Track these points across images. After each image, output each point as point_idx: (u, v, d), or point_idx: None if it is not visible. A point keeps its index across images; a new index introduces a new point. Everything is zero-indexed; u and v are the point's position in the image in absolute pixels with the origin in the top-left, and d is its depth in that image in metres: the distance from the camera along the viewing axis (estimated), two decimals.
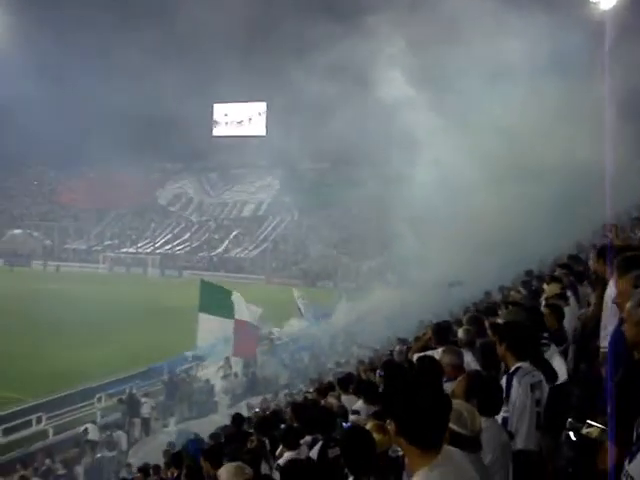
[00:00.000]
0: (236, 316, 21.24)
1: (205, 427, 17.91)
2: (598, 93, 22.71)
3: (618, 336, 5.06)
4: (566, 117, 26.43)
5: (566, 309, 7.35)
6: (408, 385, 2.67)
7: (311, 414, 8.23)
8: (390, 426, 2.70)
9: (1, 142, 65.01)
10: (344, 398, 8.96)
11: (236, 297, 21.92)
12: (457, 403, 3.35)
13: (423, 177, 31.60)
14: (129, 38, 66.51)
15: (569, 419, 4.93)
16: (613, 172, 16.74)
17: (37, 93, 63.18)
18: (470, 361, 6.38)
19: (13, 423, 18.95)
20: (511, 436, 4.30)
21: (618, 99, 22.75)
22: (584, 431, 3.68)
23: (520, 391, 4.54)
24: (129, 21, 68.62)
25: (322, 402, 9.85)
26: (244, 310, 21.79)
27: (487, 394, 4.00)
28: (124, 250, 72.40)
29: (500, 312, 9.28)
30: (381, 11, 36.19)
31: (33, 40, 65.36)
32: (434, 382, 2.80)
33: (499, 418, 4.30)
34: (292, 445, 7.05)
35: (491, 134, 29.21)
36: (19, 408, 20.20)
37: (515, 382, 4.58)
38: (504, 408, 4.40)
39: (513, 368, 4.72)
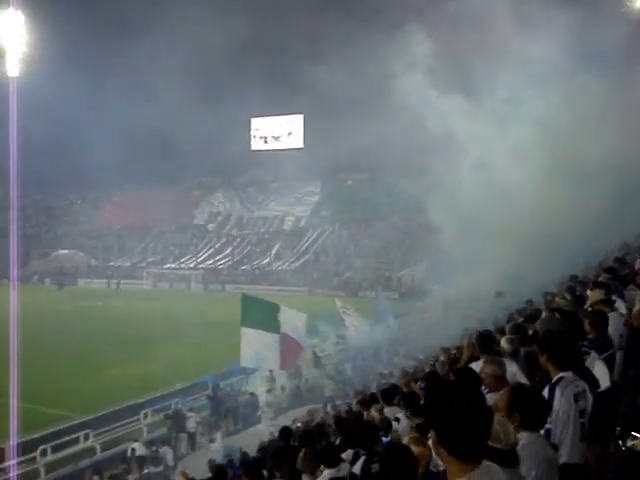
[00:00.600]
0: (282, 329, 21.14)
1: (250, 441, 17.94)
2: None
3: None
4: (611, 115, 25.97)
5: (611, 315, 7.14)
6: (449, 396, 2.63)
7: (353, 427, 8.16)
8: (431, 436, 2.67)
9: (43, 162, 66.14)
10: (387, 410, 8.86)
11: (283, 309, 21.77)
12: None
13: (464, 183, 31.31)
14: (166, 58, 67.68)
15: (617, 428, 4.80)
16: None
17: (78, 113, 64.39)
18: (515, 371, 6.24)
19: (61, 440, 19.12)
20: (555, 448, 4.17)
21: None
22: (629, 443, 3.57)
23: (563, 401, 4.41)
24: (165, 42, 69.60)
25: (365, 415, 9.76)
26: (290, 319, 21.63)
27: (530, 408, 3.86)
28: (167, 266, 73.12)
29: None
30: (412, 17, 36.05)
31: (74, 62, 66.63)
32: (475, 393, 2.72)
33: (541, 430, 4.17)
34: (331, 463, 6.95)
35: (533, 135, 28.83)
36: (67, 425, 20.37)
37: (558, 392, 4.45)
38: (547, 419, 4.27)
39: (555, 378, 4.59)
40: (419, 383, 7.84)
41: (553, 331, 5.52)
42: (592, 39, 27.14)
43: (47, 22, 56.59)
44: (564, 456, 4.26)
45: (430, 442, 3.75)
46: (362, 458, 6.56)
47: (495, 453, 3.08)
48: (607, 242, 20.26)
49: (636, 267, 11.90)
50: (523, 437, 3.68)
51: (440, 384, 4.81)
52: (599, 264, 17.97)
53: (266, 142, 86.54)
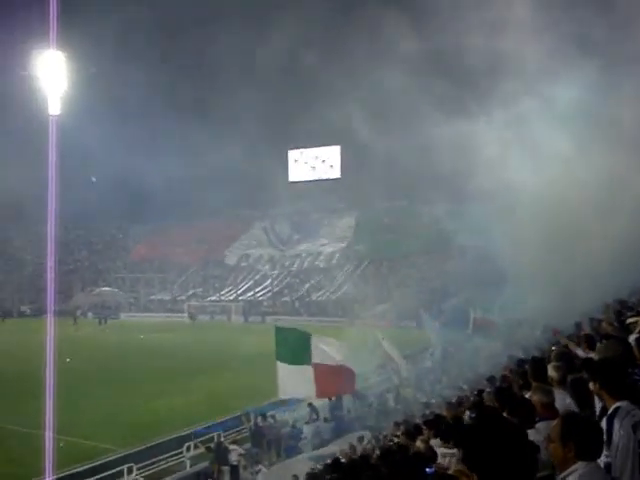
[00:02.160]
0: (313, 358, 20.97)
1: (293, 472, 17.76)
2: None
3: None
4: None
5: None
6: (489, 438, 2.51)
7: (399, 459, 8.03)
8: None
9: (85, 199, 67.38)
10: (433, 441, 8.71)
11: (314, 339, 21.57)
12: None
13: (502, 205, 31.01)
14: (199, 90, 68.82)
15: None
16: None
17: (119, 149, 65.56)
18: (569, 403, 6.10)
19: (105, 474, 19.13)
20: None
21: None
22: None
23: (622, 433, 4.26)
24: (204, 76, 70.87)
25: (410, 446, 9.61)
26: (322, 346, 21.44)
27: (586, 436, 3.70)
28: (208, 299, 73.53)
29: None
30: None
31: (119, 98, 68.12)
32: (521, 437, 2.60)
33: (601, 463, 4.01)
34: None
35: (574, 150, 28.45)
36: (110, 458, 20.40)
37: (616, 424, 4.30)
38: (605, 452, 4.12)
39: (612, 409, 4.45)
40: (468, 413, 7.67)
41: (607, 359, 5.38)
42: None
43: (86, 61, 58.13)
44: None
45: None
46: None
47: None
48: None
49: None
50: (580, 467, 3.56)
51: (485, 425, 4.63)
52: None
53: (302, 171, 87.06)
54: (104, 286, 78.32)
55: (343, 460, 14.53)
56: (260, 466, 20.47)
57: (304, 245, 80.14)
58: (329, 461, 12.58)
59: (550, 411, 5.64)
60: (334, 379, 21.13)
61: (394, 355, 27.17)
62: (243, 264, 79.91)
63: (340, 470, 10.76)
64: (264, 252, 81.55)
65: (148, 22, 66.80)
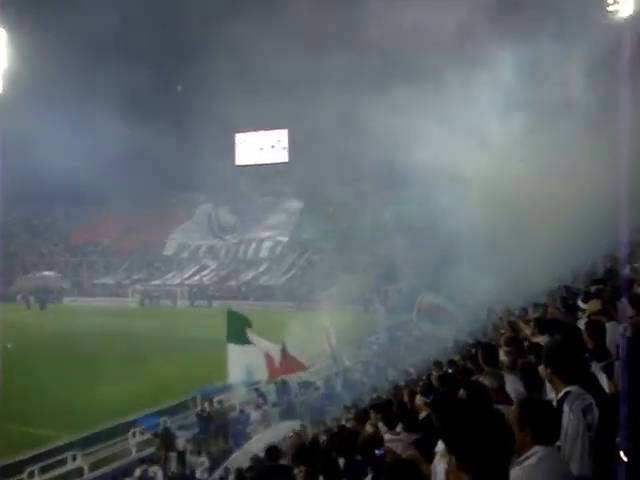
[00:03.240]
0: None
1: (240, 459, 17.79)
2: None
3: None
4: (592, 131, 26.03)
5: (608, 325, 7.14)
6: (471, 419, 2.52)
7: (350, 444, 8.06)
8: (450, 462, 2.54)
9: (26, 180, 65.83)
10: (381, 425, 8.76)
11: (252, 335, 21.53)
12: None
13: (449, 197, 31.39)
14: (145, 73, 67.74)
15: (617, 438, 4.75)
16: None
17: (61, 131, 64.12)
18: (518, 384, 6.21)
19: (49, 461, 18.89)
20: None
21: None
22: None
23: (572, 417, 4.35)
24: (145, 57, 69.81)
25: (360, 430, 9.67)
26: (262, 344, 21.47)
27: (542, 421, 3.76)
28: (153, 283, 72.71)
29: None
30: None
31: (58, 79, 66.54)
32: (497, 413, 2.62)
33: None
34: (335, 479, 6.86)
35: (524, 136, 28.89)
36: (54, 446, 20.11)
37: (566, 408, 4.39)
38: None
39: (562, 393, 4.54)
40: (423, 398, 7.71)
41: (557, 345, 5.47)
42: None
43: (30, 39, 56.46)
44: (574, 471, 4.20)
45: (444, 466, 3.66)
46: (369, 476, 6.47)
47: None
48: (594, 253, 20.29)
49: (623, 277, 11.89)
50: (538, 452, 3.61)
51: (457, 404, 4.63)
52: (587, 274, 18.02)
53: (249, 154, 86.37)
54: (46, 270, 76.83)
55: (288, 442, 14.58)
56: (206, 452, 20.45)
57: (248, 233, 79.29)
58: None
59: (502, 395, 5.73)
60: (284, 360, 21.20)
61: (334, 343, 27.26)
62: (182, 254, 78.78)
63: (279, 457, 10.77)
64: (204, 241, 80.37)
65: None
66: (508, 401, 5.57)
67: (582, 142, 25.98)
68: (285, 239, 75.81)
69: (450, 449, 2.58)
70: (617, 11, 30.52)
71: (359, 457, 7.30)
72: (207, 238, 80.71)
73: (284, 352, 21.20)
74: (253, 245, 76.81)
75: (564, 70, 28.43)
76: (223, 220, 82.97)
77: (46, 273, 75.05)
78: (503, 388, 5.98)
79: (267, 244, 76.13)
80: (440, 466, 4.70)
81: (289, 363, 21.42)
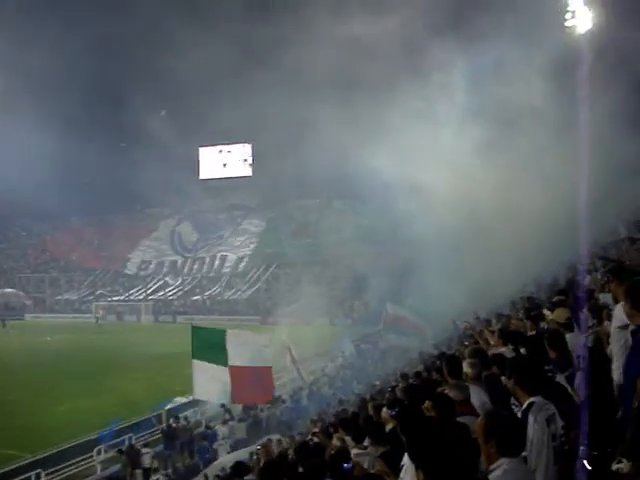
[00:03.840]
0: (231, 361, 20.66)
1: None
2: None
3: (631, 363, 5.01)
4: (553, 142, 26.45)
5: (569, 335, 7.25)
6: (434, 433, 2.56)
7: (317, 459, 8.05)
8: (418, 476, 2.57)
9: None
10: (349, 439, 8.76)
11: (230, 335, 21.10)
12: None
13: (410, 208, 31.58)
14: (111, 82, 67.30)
15: (581, 447, 4.84)
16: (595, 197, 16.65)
17: (21, 146, 63.45)
18: (483, 395, 6.27)
19: None
20: None
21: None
22: (614, 467, 3.56)
23: (536, 427, 4.42)
24: (111, 64, 69.48)
25: (326, 444, 9.66)
26: (238, 345, 21.05)
27: (507, 433, 3.81)
28: (116, 298, 71.96)
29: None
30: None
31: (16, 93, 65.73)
32: (459, 426, 2.67)
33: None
34: None
35: (484, 147, 29.17)
36: (17, 465, 19.72)
37: (531, 418, 4.46)
38: None
39: (526, 404, 4.61)
40: (388, 411, 7.74)
41: (520, 357, 5.56)
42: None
43: None
44: None
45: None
46: None
47: None
48: (556, 264, 20.58)
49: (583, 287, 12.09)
50: (503, 464, 3.65)
51: (422, 418, 4.66)
52: (549, 286, 18.27)
53: (213, 169, 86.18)
54: (7, 286, 75.66)
55: (255, 458, 14.50)
56: (171, 469, 20.23)
57: (212, 248, 78.71)
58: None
59: (467, 407, 5.78)
60: (251, 385, 20.85)
61: (295, 357, 27.11)
62: (142, 273, 77.99)
63: (246, 474, 10.69)
64: (166, 259, 79.59)
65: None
66: (473, 413, 5.63)
67: (543, 153, 26.39)
68: (249, 252, 75.47)
69: (416, 464, 2.61)
70: (575, 26, 31.11)
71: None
72: (169, 255, 79.91)
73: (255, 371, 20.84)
74: (217, 262, 76.27)
75: (525, 79, 28.86)
76: (185, 237, 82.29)
77: (7, 290, 73.79)
78: (468, 400, 6.04)
79: (231, 259, 75.71)
80: (407, 478, 4.73)
81: (257, 390, 21.07)
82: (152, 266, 78.55)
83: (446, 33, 31.51)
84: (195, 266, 76.73)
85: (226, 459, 19.48)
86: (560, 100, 25.49)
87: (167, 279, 75.26)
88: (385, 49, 31.87)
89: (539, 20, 30.66)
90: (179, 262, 78.35)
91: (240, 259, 75.11)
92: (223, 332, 20.71)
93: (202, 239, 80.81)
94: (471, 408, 5.89)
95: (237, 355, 20.43)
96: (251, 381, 20.15)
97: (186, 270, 76.49)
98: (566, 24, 31.49)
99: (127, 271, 78.50)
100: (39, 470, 19.24)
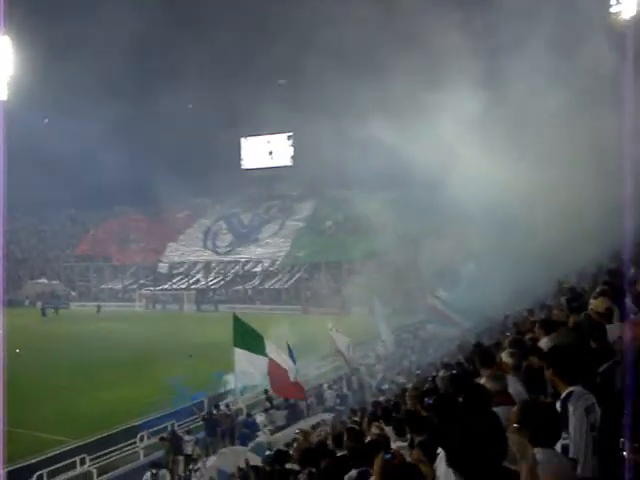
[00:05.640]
0: (269, 356, 20.89)
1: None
2: None
3: None
4: (591, 123, 25.93)
5: (610, 326, 7.14)
6: (462, 418, 2.56)
7: (356, 445, 8.09)
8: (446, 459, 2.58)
9: (31, 184, 66.31)
10: (389, 429, 8.78)
11: (268, 345, 21.41)
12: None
13: (456, 195, 31.35)
14: (152, 74, 68.13)
15: (621, 439, 4.78)
16: None
17: (66, 136, 64.44)
18: (518, 386, 6.23)
19: (57, 465, 18.90)
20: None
21: None
22: None
23: (577, 416, 4.38)
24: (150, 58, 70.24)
25: (365, 432, 9.69)
26: (275, 352, 21.37)
27: (539, 423, 3.75)
28: (160, 287, 72.74)
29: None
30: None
31: (63, 86, 66.87)
32: (489, 414, 2.66)
33: (558, 447, 4.11)
34: None
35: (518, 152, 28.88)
36: (63, 450, 20.10)
37: (571, 407, 4.42)
38: (563, 434, 4.22)
39: (565, 393, 4.57)
40: (425, 399, 7.75)
41: (559, 345, 5.50)
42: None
43: (34, 46, 56.90)
44: (579, 471, 4.23)
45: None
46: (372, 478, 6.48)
47: (512, 476, 2.95)
48: (598, 253, 20.25)
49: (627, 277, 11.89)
50: (537, 453, 3.61)
51: (451, 404, 4.65)
52: (592, 276, 17.98)
53: (255, 159, 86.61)
54: (52, 275, 77.18)
55: (296, 445, 14.58)
56: (214, 456, 20.42)
57: (249, 247, 78.31)
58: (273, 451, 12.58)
59: (504, 397, 5.75)
60: (286, 383, 21.14)
61: (342, 347, 27.11)
62: (175, 271, 77.74)
63: (284, 460, 10.77)
64: (199, 258, 78.78)
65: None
66: (512, 403, 5.59)
67: (589, 136, 25.86)
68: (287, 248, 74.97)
69: (445, 449, 2.62)
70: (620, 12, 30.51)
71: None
72: (203, 254, 79.76)
73: (287, 374, 21.06)
74: (250, 263, 75.63)
75: (552, 78, 28.37)
76: (220, 237, 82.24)
77: (53, 282, 75.28)
78: (505, 390, 6.00)
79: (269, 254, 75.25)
80: (442, 465, 4.72)
81: (292, 387, 21.36)
82: (181, 270, 78.43)
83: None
84: (226, 268, 76.28)
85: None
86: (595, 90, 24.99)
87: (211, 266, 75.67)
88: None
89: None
90: (211, 263, 77.95)
91: (274, 257, 74.38)
92: (261, 337, 21.08)
93: (241, 236, 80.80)
94: (509, 398, 5.86)
95: (273, 352, 20.79)
96: (285, 380, 20.51)
97: (213, 273, 76.25)
98: (611, 10, 30.90)
99: (160, 270, 78.47)
100: (84, 455, 19.64)
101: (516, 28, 28.68)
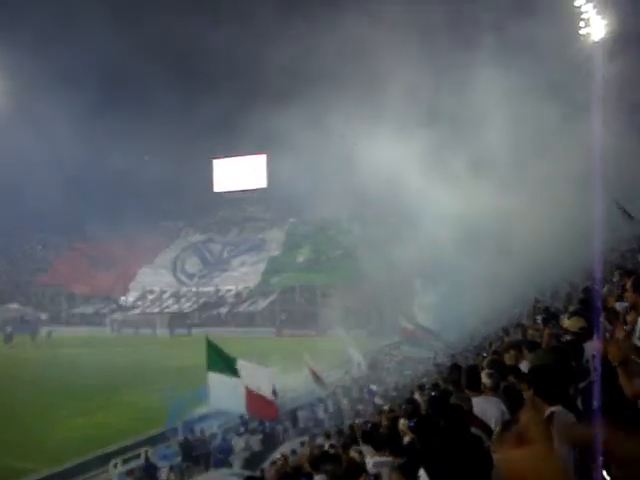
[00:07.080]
0: (245, 382, 20.68)
1: None
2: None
3: None
4: (562, 141, 26.31)
5: (586, 345, 7.20)
6: (444, 439, 2.54)
7: (335, 469, 8.05)
8: None
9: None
10: (366, 448, 8.75)
11: (241, 365, 21.19)
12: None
13: (431, 218, 31.61)
14: (122, 101, 67.87)
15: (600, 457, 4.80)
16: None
17: (35, 158, 64.11)
18: (502, 406, 6.25)
19: None
20: None
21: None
22: None
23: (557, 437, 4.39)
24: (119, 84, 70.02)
25: (343, 456, 9.64)
26: (253, 376, 21.14)
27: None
28: (132, 312, 72.01)
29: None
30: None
31: (30, 108, 66.46)
32: (471, 436, 2.64)
33: None
34: None
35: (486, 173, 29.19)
36: (35, 479, 19.77)
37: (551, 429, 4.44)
38: None
39: (547, 414, 4.59)
40: (407, 422, 7.73)
41: (539, 366, 5.53)
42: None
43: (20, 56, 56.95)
44: None
45: None
46: None
47: None
48: (572, 273, 20.47)
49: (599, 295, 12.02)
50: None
51: (432, 426, 4.63)
52: (566, 295, 18.17)
53: (227, 181, 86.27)
54: (22, 299, 76.09)
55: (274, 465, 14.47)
56: None
57: (221, 274, 77.83)
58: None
59: (472, 418, 5.79)
60: (261, 403, 20.91)
61: (318, 372, 26.97)
62: (139, 302, 76.14)
63: None
64: (169, 288, 77.36)
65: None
66: (478, 424, 5.64)
67: (554, 166, 26.31)
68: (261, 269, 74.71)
69: (429, 475, 2.60)
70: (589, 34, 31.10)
71: None
72: (171, 284, 78.66)
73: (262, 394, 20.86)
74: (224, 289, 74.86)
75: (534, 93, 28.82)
76: (189, 266, 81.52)
77: (15, 306, 74.11)
78: (471, 411, 6.05)
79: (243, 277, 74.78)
80: None
81: (267, 407, 21.13)
82: (150, 298, 77.26)
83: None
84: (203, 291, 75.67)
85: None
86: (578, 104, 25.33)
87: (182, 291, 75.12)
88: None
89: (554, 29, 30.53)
90: (180, 292, 76.65)
91: (255, 273, 74.21)
92: (234, 359, 20.84)
93: (211, 262, 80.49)
94: (475, 419, 5.89)
95: (247, 375, 20.56)
96: (260, 397, 20.26)
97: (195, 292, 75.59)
98: (580, 32, 31.50)
99: (129, 298, 77.43)
100: None
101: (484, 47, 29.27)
